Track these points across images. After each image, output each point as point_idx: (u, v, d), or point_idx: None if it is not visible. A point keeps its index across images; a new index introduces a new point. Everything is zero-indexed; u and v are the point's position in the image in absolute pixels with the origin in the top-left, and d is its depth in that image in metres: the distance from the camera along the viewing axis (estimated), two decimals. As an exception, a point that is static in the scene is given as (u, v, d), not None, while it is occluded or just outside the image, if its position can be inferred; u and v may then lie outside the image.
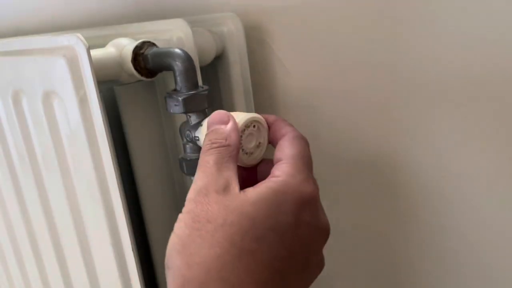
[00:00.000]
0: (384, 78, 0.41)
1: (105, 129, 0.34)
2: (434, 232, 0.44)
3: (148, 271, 0.44)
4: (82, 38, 0.32)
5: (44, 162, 0.39)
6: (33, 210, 0.43)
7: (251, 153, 0.33)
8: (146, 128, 0.41)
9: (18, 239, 0.48)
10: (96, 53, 0.35)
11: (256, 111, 0.48)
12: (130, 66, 0.36)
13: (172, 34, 0.39)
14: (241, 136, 0.31)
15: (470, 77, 0.37)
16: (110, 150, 0.34)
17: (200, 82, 0.38)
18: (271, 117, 0.33)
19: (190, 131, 0.35)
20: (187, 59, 0.34)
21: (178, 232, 0.27)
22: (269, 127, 0.33)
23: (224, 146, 0.29)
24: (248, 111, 0.47)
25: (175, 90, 0.35)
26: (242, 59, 0.45)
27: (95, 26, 0.57)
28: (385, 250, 0.48)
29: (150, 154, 0.42)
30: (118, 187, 0.35)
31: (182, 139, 0.36)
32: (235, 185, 0.28)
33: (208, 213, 0.27)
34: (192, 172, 0.35)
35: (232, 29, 0.44)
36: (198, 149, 0.34)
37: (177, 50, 0.34)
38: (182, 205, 0.28)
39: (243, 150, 0.32)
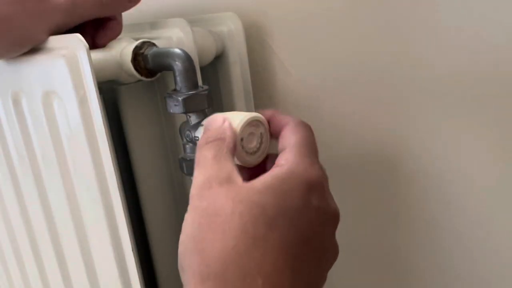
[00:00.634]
0: (385, 78, 0.41)
1: (105, 129, 0.33)
2: (434, 232, 0.44)
3: (148, 271, 0.44)
4: (82, 38, 0.32)
5: (44, 162, 0.39)
6: (33, 210, 0.43)
7: (254, 153, 0.33)
8: (146, 128, 0.41)
9: (18, 239, 0.48)
10: (96, 53, 0.35)
11: (256, 111, 0.48)
12: (130, 66, 0.36)
13: (172, 34, 0.39)
14: (242, 137, 0.31)
15: (471, 76, 0.37)
16: (110, 150, 0.34)
17: (200, 82, 0.38)
18: (268, 112, 0.33)
19: (190, 131, 0.34)
20: (187, 59, 0.34)
21: (187, 231, 0.27)
22: (268, 122, 0.33)
23: (220, 139, 0.29)
24: (248, 111, 0.46)
25: (175, 90, 0.35)
26: (242, 59, 0.45)
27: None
28: (385, 250, 0.47)
29: (150, 154, 0.42)
30: (118, 187, 0.35)
31: (182, 139, 0.36)
32: (237, 176, 0.28)
33: (215, 206, 0.26)
34: (192, 172, 0.35)
35: (232, 29, 0.44)
36: (198, 149, 0.34)
37: (177, 50, 0.34)
38: (182, 205, 0.28)
39: (245, 150, 0.32)
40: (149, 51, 0.36)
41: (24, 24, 0.32)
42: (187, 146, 0.36)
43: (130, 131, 0.40)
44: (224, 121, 0.30)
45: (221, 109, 0.46)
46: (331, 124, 0.46)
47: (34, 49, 0.35)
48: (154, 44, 0.36)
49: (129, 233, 0.36)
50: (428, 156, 0.42)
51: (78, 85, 0.33)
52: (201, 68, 0.40)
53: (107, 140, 0.34)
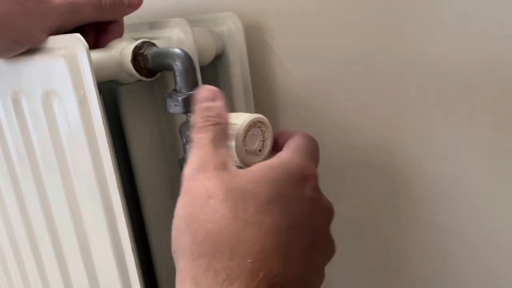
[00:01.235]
0: (385, 77, 0.41)
1: (105, 129, 0.33)
2: (434, 232, 0.44)
3: (148, 271, 0.44)
4: (82, 38, 0.32)
5: (44, 162, 0.39)
6: (33, 210, 0.43)
7: (255, 154, 0.33)
8: (146, 128, 0.41)
9: (18, 239, 0.48)
10: (95, 53, 0.35)
11: (256, 111, 0.48)
12: (130, 66, 0.36)
13: (172, 34, 0.39)
14: (244, 137, 0.31)
15: (471, 76, 0.37)
16: (110, 150, 0.34)
17: (200, 82, 0.38)
18: (277, 132, 0.34)
19: (190, 131, 0.34)
20: (187, 59, 0.34)
21: (180, 213, 0.27)
22: (277, 139, 0.33)
23: (218, 124, 0.30)
24: (248, 111, 0.46)
25: (175, 90, 0.35)
26: (242, 59, 0.45)
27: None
28: (385, 250, 0.47)
29: (150, 154, 0.42)
30: (118, 187, 0.35)
31: (182, 139, 0.36)
32: (232, 164, 0.28)
33: (209, 188, 0.26)
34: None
35: (232, 29, 0.44)
36: (198, 149, 0.34)
37: (177, 50, 0.34)
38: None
39: (247, 151, 0.32)
40: (149, 51, 0.36)
41: (23, 23, 0.33)
42: (187, 146, 0.36)
43: (130, 131, 0.40)
44: (216, 97, 0.31)
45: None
46: (331, 124, 0.46)
47: (34, 49, 0.35)
48: (154, 44, 0.36)
49: (129, 233, 0.36)
50: (428, 155, 0.42)
51: (78, 85, 0.33)
52: (201, 68, 0.40)
53: (107, 140, 0.34)
